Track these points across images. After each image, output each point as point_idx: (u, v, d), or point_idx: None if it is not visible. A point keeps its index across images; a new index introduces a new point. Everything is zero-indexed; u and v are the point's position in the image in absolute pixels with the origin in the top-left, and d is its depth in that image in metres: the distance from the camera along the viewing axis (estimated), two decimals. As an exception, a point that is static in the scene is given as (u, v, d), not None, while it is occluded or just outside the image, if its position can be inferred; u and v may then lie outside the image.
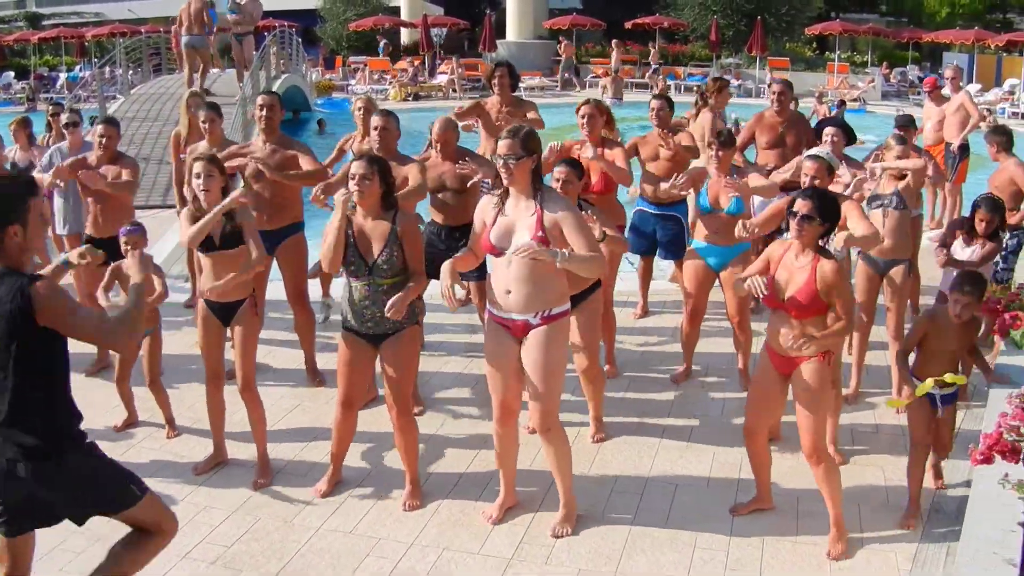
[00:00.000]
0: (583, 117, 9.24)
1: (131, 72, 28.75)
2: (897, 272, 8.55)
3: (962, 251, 8.53)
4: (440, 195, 8.98)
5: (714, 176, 8.69)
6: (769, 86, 11.03)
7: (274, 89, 26.86)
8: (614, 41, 44.74)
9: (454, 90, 40.69)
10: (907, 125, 11.44)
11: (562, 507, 6.74)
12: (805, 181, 7.29)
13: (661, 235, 10.53)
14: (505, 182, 6.27)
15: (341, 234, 6.68)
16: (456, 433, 8.12)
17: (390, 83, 41.02)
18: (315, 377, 9.35)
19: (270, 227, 8.93)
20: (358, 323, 6.85)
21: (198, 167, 7.35)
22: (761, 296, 6.19)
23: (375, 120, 8.61)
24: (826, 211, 6.17)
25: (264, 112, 8.98)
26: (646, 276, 11.22)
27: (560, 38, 46.14)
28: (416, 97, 39.38)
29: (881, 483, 7.28)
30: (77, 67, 43.97)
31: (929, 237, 14.77)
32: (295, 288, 9.26)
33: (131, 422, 8.30)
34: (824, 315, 6.23)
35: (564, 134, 18.96)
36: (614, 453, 7.79)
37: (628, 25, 47.46)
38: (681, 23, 48.96)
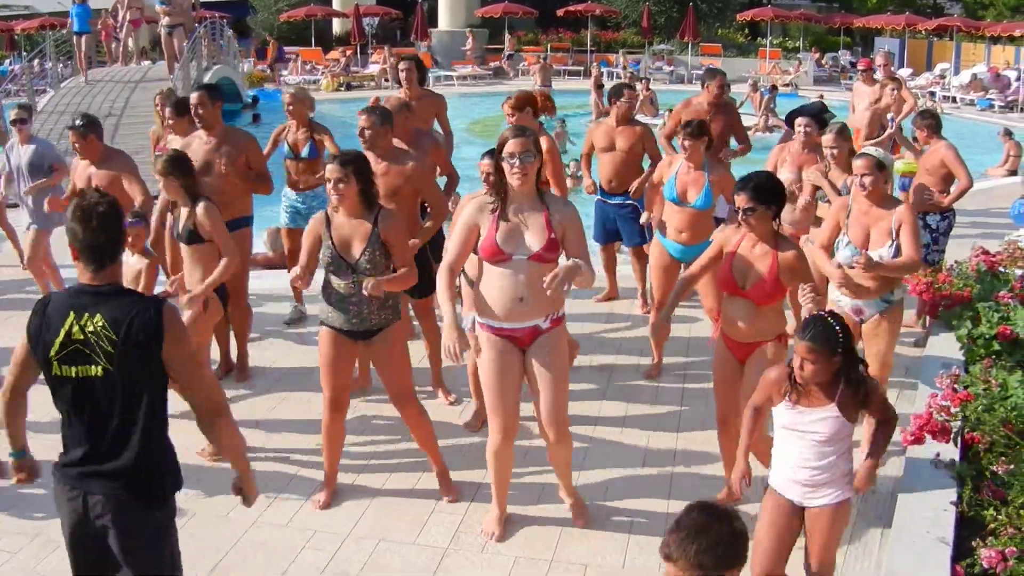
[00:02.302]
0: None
1: (61, 65, 28.39)
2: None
3: None
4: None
5: (683, 168, 8.58)
6: (713, 77, 10.93)
7: (205, 80, 26.71)
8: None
9: (386, 79, 40.52)
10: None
11: (575, 502, 6.73)
12: (855, 180, 7.09)
13: (619, 223, 10.53)
14: (517, 183, 5.96)
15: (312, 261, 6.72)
16: (389, 421, 8.07)
17: (322, 73, 40.82)
18: (246, 376, 9.14)
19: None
20: (342, 320, 6.70)
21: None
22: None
23: (360, 121, 8.16)
24: (765, 196, 6.08)
25: (194, 110, 8.90)
26: (610, 263, 11.20)
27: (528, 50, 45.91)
28: (348, 87, 39.18)
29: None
30: (7, 60, 43.33)
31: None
32: (233, 283, 9.16)
33: None
34: (783, 300, 6.32)
35: (493, 124, 19.01)
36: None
37: (560, 13, 47.45)
38: (613, 10, 49.12)
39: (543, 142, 8.39)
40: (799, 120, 9.32)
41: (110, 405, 4.35)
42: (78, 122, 9.40)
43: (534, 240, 5.96)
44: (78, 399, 4.36)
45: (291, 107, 10.05)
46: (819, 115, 9.56)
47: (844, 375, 5.05)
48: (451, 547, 6.36)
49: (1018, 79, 35.00)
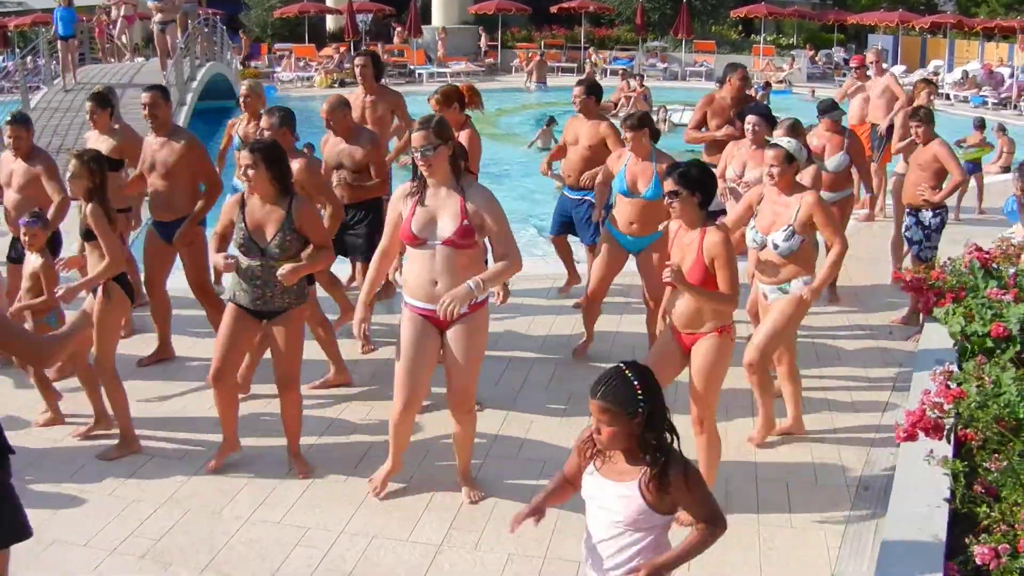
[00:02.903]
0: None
1: (55, 63, 28.31)
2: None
3: None
4: (337, 173, 9.13)
5: (631, 160, 8.74)
6: (734, 70, 11.07)
7: (198, 77, 26.68)
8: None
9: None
10: (830, 110, 11.48)
11: (467, 480, 6.95)
12: (766, 171, 7.34)
13: (576, 217, 10.53)
14: (425, 174, 6.25)
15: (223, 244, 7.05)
16: (379, 420, 8.05)
17: (316, 70, 40.77)
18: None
19: (167, 219, 9.07)
20: (247, 299, 6.99)
21: (72, 165, 7.47)
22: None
23: (262, 123, 8.66)
24: (690, 182, 6.20)
25: (147, 110, 8.98)
26: (565, 252, 11.24)
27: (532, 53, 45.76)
28: (342, 84, 39.11)
29: (809, 462, 7.34)
30: (0, 57, 43.26)
31: (854, 217, 14.95)
32: (196, 280, 9.19)
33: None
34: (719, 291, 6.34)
35: (489, 118, 19.02)
36: (542, 438, 7.79)
37: (554, 9, 47.46)
38: (607, 7, 49.07)
39: (465, 135, 9.00)
40: (749, 118, 9.47)
41: None
42: (16, 116, 9.60)
43: (447, 226, 6.21)
44: None
45: (247, 99, 10.28)
46: (768, 113, 9.72)
47: (642, 445, 4.13)
48: (444, 544, 6.35)
49: (1011, 76, 35.05)
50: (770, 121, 9.38)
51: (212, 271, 9.21)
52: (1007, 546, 4.88)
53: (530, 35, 49.05)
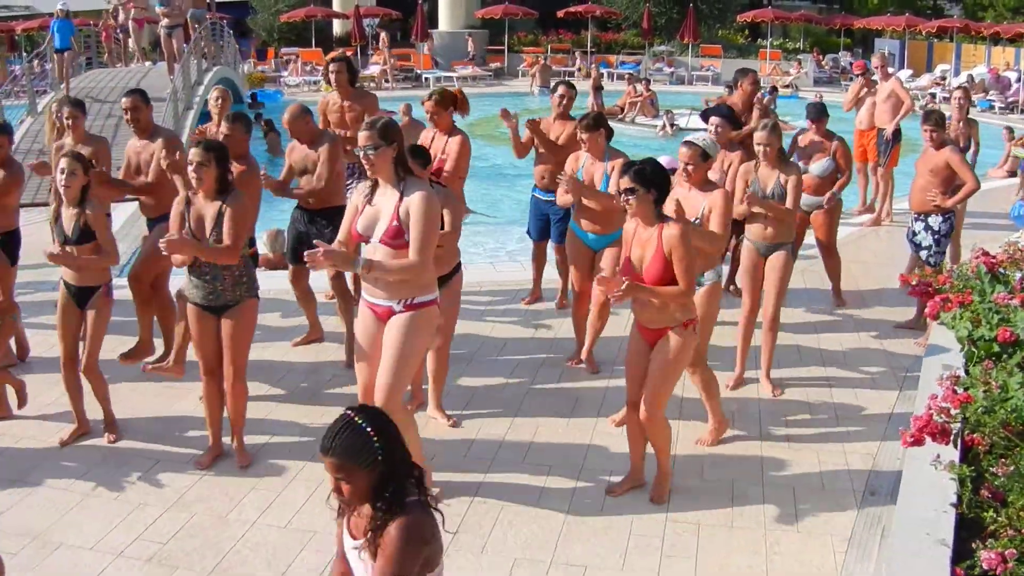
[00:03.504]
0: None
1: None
2: (777, 257, 8.62)
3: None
4: (303, 179, 9.32)
5: (588, 160, 8.92)
6: (745, 75, 11.20)
7: (204, 81, 26.72)
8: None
9: (386, 80, 40.53)
10: (820, 116, 11.47)
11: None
12: (679, 167, 7.53)
13: (553, 219, 10.50)
14: (368, 173, 6.38)
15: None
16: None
17: (322, 74, 40.74)
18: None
19: (155, 215, 9.17)
20: (200, 296, 7.21)
21: (63, 163, 7.55)
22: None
23: (223, 129, 8.96)
24: (645, 180, 6.39)
25: (128, 115, 9.07)
26: (540, 261, 11.23)
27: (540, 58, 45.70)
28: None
29: (815, 467, 7.34)
30: (7, 61, 43.31)
31: (860, 222, 14.96)
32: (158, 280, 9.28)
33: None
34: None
35: (495, 123, 19.02)
36: (547, 443, 7.78)
37: (560, 14, 47.45)
38: (613, 11, 49.06)
39: (456, 140, 9.26)
40: (712, 119, 9.67)
41: None
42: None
43: (382, 225, 6.30)
44: None
45: (221, 102, 10.29)
46: (731, 115, 9.96)
47: (375, 496, 3.80)
48: (450, 548, 6.33)
49: (1018, 80, 35.01)
50: (733, 123, 9.71)
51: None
52: (1014, 551, 4.87)
53: (536, 39, 49.07)
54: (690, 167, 7.43)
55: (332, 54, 41.71)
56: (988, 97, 34.58)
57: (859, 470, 7.25)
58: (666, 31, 47.59)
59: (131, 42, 30.15)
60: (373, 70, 42.11)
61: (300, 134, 9.29)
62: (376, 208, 6.35)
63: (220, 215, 7.01)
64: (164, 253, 6.94)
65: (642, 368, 6.71)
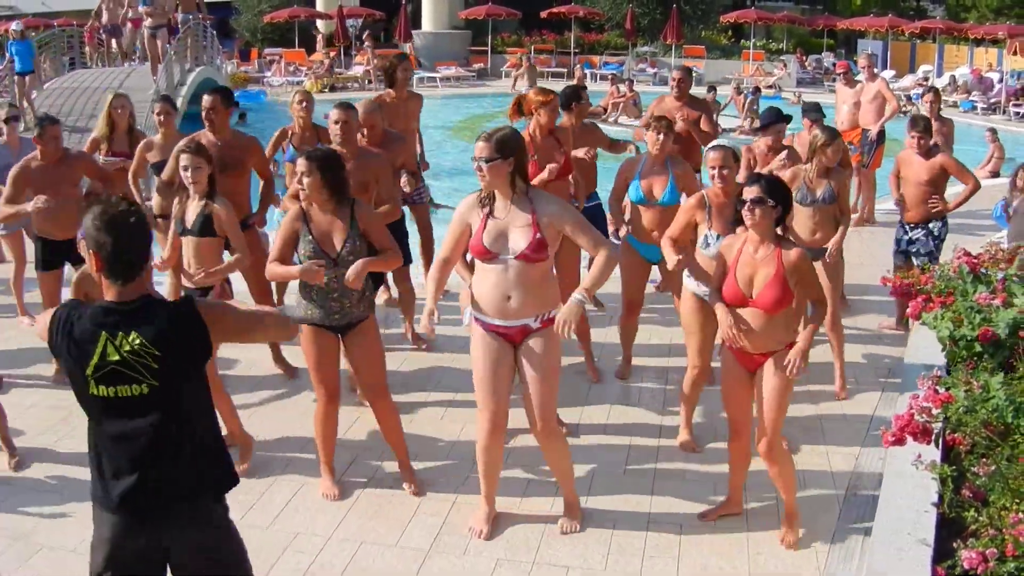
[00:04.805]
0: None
1: (45, 66, 28.23)
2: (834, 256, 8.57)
3: None
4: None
5: (648, 164, 8.48)
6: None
7: (187, 82, 26.67)
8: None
9: (370, 81, 40.49)
10: (814, 110, 11.47)
11: (566, 505, 6.69)
12: (711, 173, 7.33)
13: None
14: (481, 185, 6.14)
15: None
16: (369, 424, 8.04)
17: (306, 75, 40.74)
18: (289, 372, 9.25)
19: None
20: (323, 316, 6.79)
21: (184, 159, 7.34)
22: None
23: (335, 114, 8.34)
24: (775, 193, 6.03)
25: (205, 113, 8.80)
26: None
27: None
28: (332, 88, 39.09)
29: (797, 467, 7.30)
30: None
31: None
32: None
33: None
34: (791, 306, 6.14)
35: (477, 123, 19.04)
36: (531, 444, 7.74)
37: (543, 14, 47.51)
38: (597, 12, 49.14)
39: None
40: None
41: (159, 418, 4.16)
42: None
43: (519, 240, 6.01)
44: (119, 416, 4.15)
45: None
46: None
47: None
48: (433, 549, 6.35)
49: (1001, 81, 35.14)
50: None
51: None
52: (995, 550, 4.88)
53: (520, 40, 49.09)
54: (725, 171, 7.28)
55: (317, 52, 41.60)
56: (971, 98, 34.68)
57: (841, 471, 7.26)
58: (649, 32, 47.68)
59: (114, 43, 29.99)
60: (357, 71, 42.11)
61: (372, 132, 8.93)
62: (504, 222, 6.09)
63: (353, 229, 6.69)
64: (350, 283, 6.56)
65: (746, 396, 6.40)
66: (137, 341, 4.03)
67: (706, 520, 6.64)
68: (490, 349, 6.26)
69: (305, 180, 6.57)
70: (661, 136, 8.27)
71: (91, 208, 4.13)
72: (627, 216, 8.74)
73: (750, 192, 6.03)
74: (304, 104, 9.96)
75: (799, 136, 11.42)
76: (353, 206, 6.74)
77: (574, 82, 31.13)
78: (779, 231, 6.16)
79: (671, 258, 7.35)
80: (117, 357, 4.03)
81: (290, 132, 10.00)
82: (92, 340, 4.05)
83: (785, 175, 8.51)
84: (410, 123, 10.66)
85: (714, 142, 7.61)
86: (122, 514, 4.19)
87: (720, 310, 6.25)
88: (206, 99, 8.80)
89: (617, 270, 7.29)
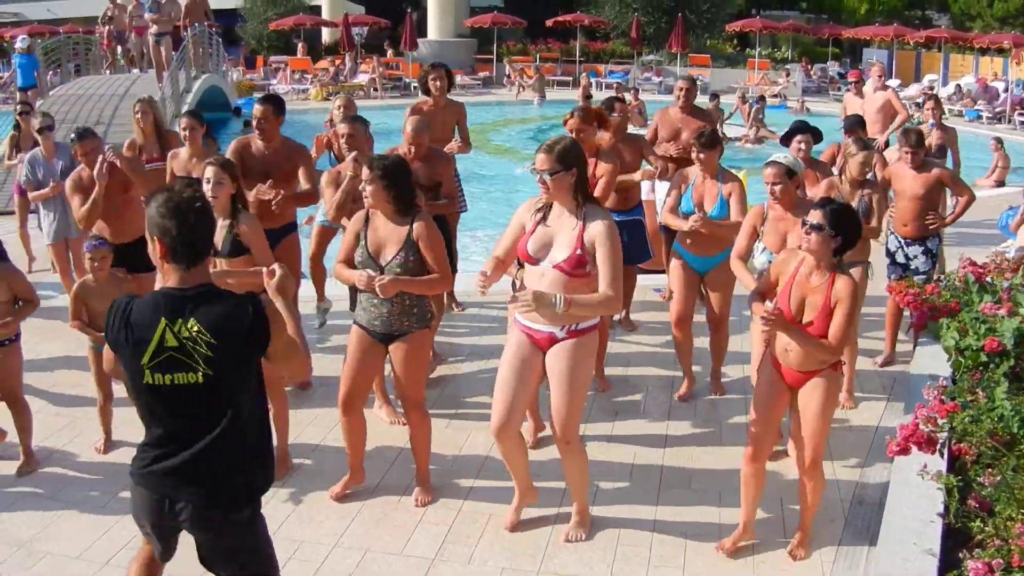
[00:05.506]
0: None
1: (51, 73, 28.28)
2: (856, 273, 8.49)
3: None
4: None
5: (699, 179, 8.47)
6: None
7: (193, 89, 26.71)
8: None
9: (375, 89, 40.53)
10: (856, 126, 11.41)
11: (576, 514, 6.67)
12: (766, 189, 7.29)
13: (625, 240, 10.19)
14: (544, 197, 6.15)
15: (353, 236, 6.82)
16: (374, 432, 8.04)
17: (311, 83, 40.78)
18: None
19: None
20: (367, 319, 6.84)
21: (208, 171, 7.10)
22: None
23: (342, 128, 8.47)
24: (838, 223, 5.88)
25: (256, 122, 8.84)
26: None
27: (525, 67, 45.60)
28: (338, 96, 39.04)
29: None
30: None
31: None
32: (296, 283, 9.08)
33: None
34: None
35: (483, 131, 19.03)
36: (535, 453, 7.76)
37: (549, 23, 47.47)
38: (602, 20, 49.07)
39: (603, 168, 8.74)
40: (797, 137, 9.37)
41: (210, 410, 4.25)
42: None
43: (560, 251, 6.04)
44: (173, 406, 4.24)
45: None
46: (815, 130, 9.66)
47: None
48: (437, 558, 6.34)
49: (1006, 90, 35.13)
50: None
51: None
52: (1001, 561, 4.88)
53: (525, 48, 49.09)
54: (777, 188, 7.24)
55: (322, 59, 41.63)
56: (976, 107, 34.66)
57: (847, 480, 7.25)
58: (655, 40, 47.61)
59: (119, 49, 30.06)
60: (362, 79, 42.14)
61: (419, 151, 8.63)
62: (551, 231, 6.13)
63: (408, 241, 6.61)
64: (381, 296, 6.58)
65: (778, 409, 6.34)
66: (195, 328, 4.11)
67: (723, 551, 6.43)
68: (518, 347, 6.32)
69: (368, 188, 6.56)
70: (703, 156, 8.30)
71: (155, 196, 4.20)
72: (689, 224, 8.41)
73: (813, 216, 5.94)
74: (344, 110, 10.02)
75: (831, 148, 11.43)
76: (415, 220, 6.67)
77: (579, 91, 31.19)
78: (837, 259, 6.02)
79: (747, 280, 7.27)
80: (175, 343, 4.11)
81: (326, 139, 10.13)
82: (151, 326, 4.11)
83: (820, 187, 8.53)
84: (447, 132, 10.73)
85: (772, 157, 7.49)
86: (145, 484, 4.39)
87: (757, 308, 6.23)
88: (257, 108, 8.85)
89: (666, 282, 7.24)
